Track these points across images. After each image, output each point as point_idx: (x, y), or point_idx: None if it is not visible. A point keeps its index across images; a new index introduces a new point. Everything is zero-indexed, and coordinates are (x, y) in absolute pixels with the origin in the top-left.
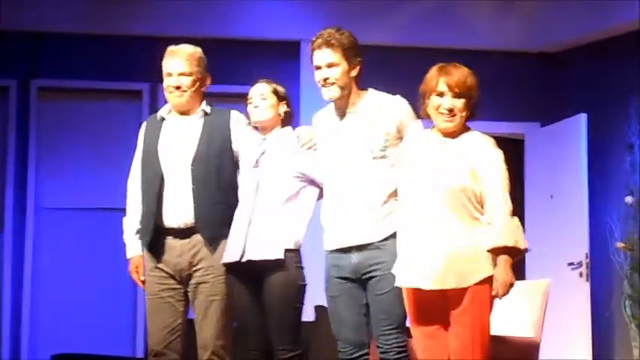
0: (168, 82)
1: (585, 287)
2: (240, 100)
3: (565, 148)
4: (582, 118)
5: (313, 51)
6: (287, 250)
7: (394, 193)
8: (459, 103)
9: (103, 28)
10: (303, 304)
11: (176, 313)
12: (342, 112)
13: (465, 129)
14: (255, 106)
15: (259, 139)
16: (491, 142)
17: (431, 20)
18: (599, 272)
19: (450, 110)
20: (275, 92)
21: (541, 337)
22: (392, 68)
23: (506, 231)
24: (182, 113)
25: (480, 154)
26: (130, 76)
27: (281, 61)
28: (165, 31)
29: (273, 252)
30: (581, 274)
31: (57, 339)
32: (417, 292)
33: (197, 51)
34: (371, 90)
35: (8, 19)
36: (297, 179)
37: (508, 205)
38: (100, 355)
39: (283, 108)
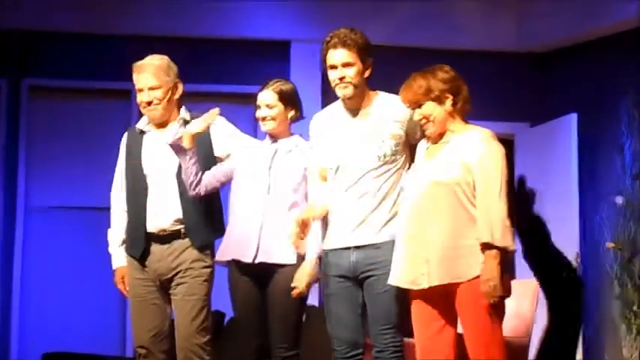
0: (140, 98)
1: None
2: (229, 100)
3: (555, 148)
4: (573, 118)
5: (327, 50)
6: (298, 254)
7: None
8: (427, 109)
9: (93, 27)
10: (306, 304)
11: (162, 314)
12: (353, 113)
13: (460, 127)
14: (263, 117)
15: (268, 141)
16: (487, 135)
17: (420, 20)
18: (590, 272)
19: (420, 120)
20: (282, 98)
21: (531, 337)
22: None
23: (486, 226)
24: (160, 125)
25: (474, 149)
26: (119, 75)
27: (271, 60)
28: (155, 31)
29: (287, 256)
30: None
31: (47, 338)
32: (417, 291)
33: (164, 61)
34: (381, 92)
35: None
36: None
37: (494, 200)
38: (91, 354)
39: (291, 114)
